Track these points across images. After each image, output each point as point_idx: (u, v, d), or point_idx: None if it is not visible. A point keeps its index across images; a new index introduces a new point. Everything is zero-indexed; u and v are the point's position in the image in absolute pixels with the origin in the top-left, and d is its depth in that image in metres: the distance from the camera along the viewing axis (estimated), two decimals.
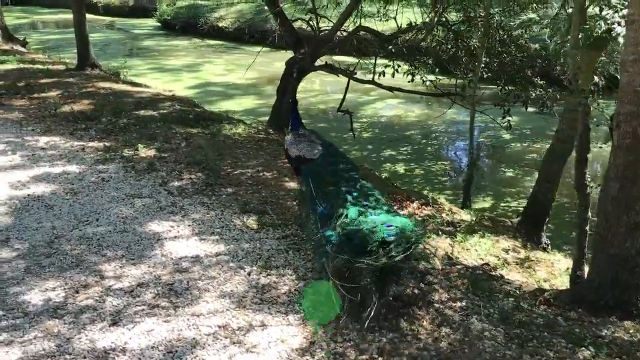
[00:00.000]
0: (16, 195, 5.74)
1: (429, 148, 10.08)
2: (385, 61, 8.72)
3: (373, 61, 9.07)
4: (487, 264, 4.60)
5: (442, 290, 4.18)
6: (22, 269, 4.45)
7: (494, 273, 4.48)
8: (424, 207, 5.67)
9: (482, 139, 10.44)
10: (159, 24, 25.09)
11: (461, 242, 4.92)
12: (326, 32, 9.93)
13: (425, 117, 11.97)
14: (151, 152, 7.04)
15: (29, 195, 5.76)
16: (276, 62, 18.81)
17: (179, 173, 6.38)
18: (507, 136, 10.46)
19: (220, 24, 22.12)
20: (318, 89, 14.93)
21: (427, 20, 9.61)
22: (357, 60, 9.56)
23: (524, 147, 9.96)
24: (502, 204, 7.75)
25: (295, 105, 5.75)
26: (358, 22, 10.15)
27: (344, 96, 9.37)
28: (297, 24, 9.97)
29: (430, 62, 9.36)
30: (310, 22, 9.71)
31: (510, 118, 7.94)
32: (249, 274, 4.42)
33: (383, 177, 7.50)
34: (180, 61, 18.04)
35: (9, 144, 7.28)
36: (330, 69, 9.02)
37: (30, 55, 13.56)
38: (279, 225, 5.18)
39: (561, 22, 6.34)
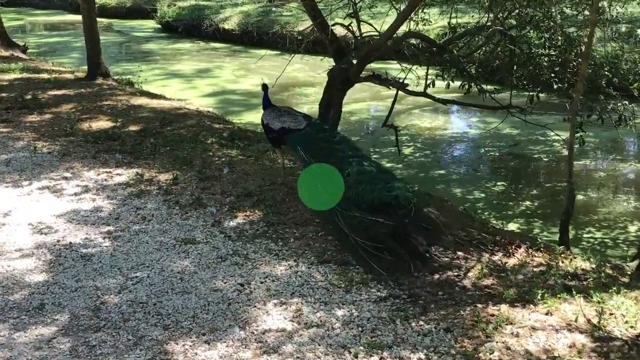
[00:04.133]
0: (43, 243, 4.80)
1: (482, 166, 9.22)
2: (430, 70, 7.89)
3: (417, 70, 8.24)
4: None
5: None
6: (67, 351, 3.53)
7: None
8: (534, 253, 4.79)
9: (537, 155, 9.58)
10: (159, 26, 24.05)
11: (600, 303, 4.04)
12: (368, 38, 9.07)
13: (466, 128, 11.12)
14: (192, 181, 6.12)
15: (58, 241, 4.83)
16: (287, 66, 17.97)
17: (231, 209, 5.46)
18: (564, 152, 9.60)
19: (225, 26, 21.14)
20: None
21: (482, 24, 8.76)
22: (400, 69, 8.64)
23: (588, 166, 9.12)
24: (585, 235, 6.90)
25: (267, 89, 6.08)
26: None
27: (391, 110, 8.49)
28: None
29: (481, 71, 8.53)
30: (350, 28, 8.80)
31: (583, 133, 7.09)
32: (355, 356, 3.51)
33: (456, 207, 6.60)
34: (187, 66, 17.06)
35: (23, 172, 6.34)
36: (379, 79, 8.12)
37: (33, 63, 12.57)
38: (371, 281, 4.28)
39: None
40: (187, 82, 14.75)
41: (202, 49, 20.22)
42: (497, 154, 9.68)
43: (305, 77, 16.55)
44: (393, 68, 9.09)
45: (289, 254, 4.67)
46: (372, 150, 9.81)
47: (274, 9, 21.82)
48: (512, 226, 7.02)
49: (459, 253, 4.73)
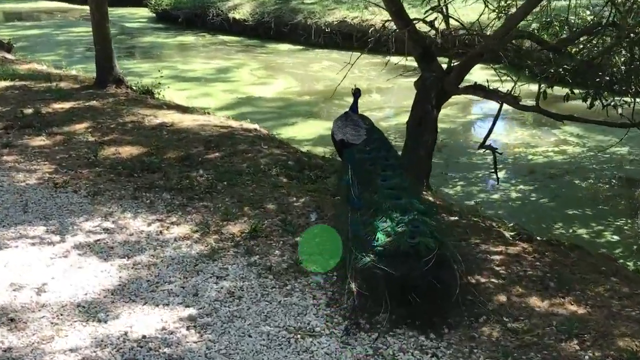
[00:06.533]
0: (107, 337, 3.93)
1: (599, 195, 8.39)
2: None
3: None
4: None
5: None
6: None
7: None
8: None
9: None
10: (154, 15, 23.26)
11: None
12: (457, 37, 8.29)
13: (562, 144, 10.30)
14: (275, 234, 5.28)
15: (126, 335, 3.96)
16: (313, 63, 17.16)
17: (339, 277, 4.60)
18: None
19: (236, 16, 20.34)
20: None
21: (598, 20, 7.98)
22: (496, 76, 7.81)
23: None
24: None
25: (357, 95, 6.13)
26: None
27: (491, 128, 7.64)
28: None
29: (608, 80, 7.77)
30: (434, 24, 7.98)
31: None
32: None
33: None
34: (197, 65, 16.26)
35: (49, 222, 5.48)
36: (483, 91, 7.29)
37: (24, 65, 11.69)
38: None
39: None
40: (204, 85, 13.94)
41: (210, 43, 19.43)
42: (613, 179, 8.87)
43: (338, 77, 15.71)
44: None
45: (450, 354, 3.81)
46: (444, 174, 8.99)
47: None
48: None
49: None
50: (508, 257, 4.99)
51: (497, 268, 4.79)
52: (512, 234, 5.53)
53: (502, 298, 4.37)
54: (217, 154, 7.20)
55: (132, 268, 4.74)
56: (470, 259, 4.76)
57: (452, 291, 4.06)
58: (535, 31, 8.10)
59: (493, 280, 4.60)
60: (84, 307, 4.25)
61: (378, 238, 4.23)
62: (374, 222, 4.39)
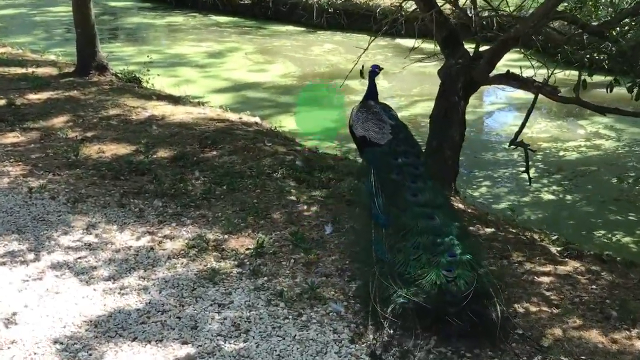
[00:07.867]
0: None
1: None
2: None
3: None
4: None
5: None
6: None
7: None
8: None
9: None
10: None
11: None
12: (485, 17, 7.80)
13: (595, 138, 9.85)
14: (285, 251, 4.84)
15: None
16: (314, 46, 16.66)
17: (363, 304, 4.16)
18: None
19: None
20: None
21: None
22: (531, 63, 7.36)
23: None
24: None
25: (374, 74, 5.71)
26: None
27: (524, 123, 7.17)
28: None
29: None
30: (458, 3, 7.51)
31: None
32: None
33: None
34: (188, 48, 15.72)
35: (23, 235, 5.03)
36: (517, 81, 6.83)
37: None
38: None
39: None
40: (196, 71, 13.42)
41: (201, 24, 18.86)
42: None
43: (342, 61, 15.25)
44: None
45: None
46: (466, 172, 8.53)
47: None
48: None
49: None
50: (558, 278, 4.56)
51: (548, 293, 4.35)
52: (559, 249, 5.08)
53: (558, 331, 3.93)
54: (214, 152, 6.76)
55: (119, 293, 4.29)
56: (515, 282, 4.36)
57: (493, 329, 3.72)
58: (569, 12, 7.68)
59: (544, 308, 4.17)
60: (61, 343, 3.81)
61: (409, 267, 3.95)
62: (403, 249, 4.08)
